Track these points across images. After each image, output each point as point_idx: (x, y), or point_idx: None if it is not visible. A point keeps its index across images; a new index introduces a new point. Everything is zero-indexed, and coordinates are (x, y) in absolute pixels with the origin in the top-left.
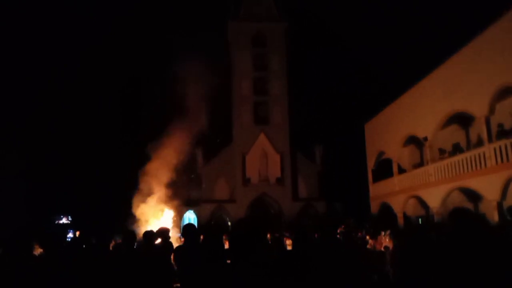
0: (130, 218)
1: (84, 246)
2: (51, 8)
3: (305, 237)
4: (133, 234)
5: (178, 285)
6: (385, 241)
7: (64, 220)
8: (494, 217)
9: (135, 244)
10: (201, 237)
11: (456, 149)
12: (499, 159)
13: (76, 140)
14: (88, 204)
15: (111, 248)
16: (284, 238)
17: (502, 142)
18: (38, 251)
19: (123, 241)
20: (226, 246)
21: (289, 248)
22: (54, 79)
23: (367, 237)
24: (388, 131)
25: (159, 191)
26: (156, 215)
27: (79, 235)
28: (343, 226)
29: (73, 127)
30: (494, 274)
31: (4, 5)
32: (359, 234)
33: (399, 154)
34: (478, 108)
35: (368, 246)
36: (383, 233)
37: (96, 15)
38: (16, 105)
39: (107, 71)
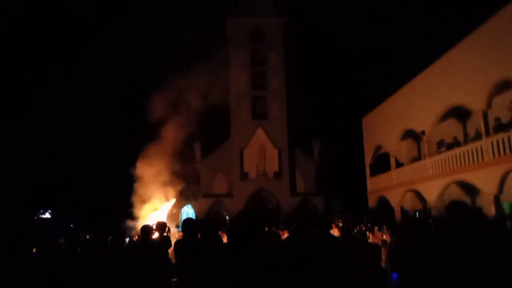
0: (126, 213)
1: (79, 243)
2: (51, 8)
3: (304, 230)
4: (122, 230)
5: (176, 279)
6: (382, 235)
7: (47, 215)
8: (491, 210)
9: (127, 239)
10: (200, 231)
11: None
12: (496, 153)
13: (74, 138)
14: (74, 200)
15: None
16: (281, 232)
17: (500, 136)
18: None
19: (113, 237)
20: (225, 240)
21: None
22: (54, 79)
23: (367, 233)
24: (386, 125)
25: (156, 186)
26: (153, 210)
27: (70, 233)
28: (341, 221)
29: (73, 126)
30: (491, 268)
31: (4, 5)
32: (358, 228)
33: (396, 148)
34: (475, 102)
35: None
36: (376, 228)
37: (96, 15)
38: (16, 105)
39: (107, 70)
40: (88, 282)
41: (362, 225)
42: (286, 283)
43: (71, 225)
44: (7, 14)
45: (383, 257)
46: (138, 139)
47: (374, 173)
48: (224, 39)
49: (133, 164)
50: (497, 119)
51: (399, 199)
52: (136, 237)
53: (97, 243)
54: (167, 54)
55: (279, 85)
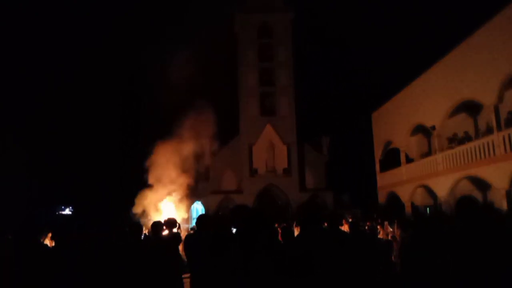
0: (136, 210)
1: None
2: (52, 9)
3: (311, 224)
4: (139, 225)
5: (188, 275)
6: (391, 230)
7: (67, 211)
8: (503, 205)
9: (142, 235)
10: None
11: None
12: (508, 147)
13: (82, 133)
14: (92, 196)
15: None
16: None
17: (511, 130)
18: (51, 243)
19: (129, 233)
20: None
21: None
22: (54, 79)
23: (378, 227)
24: (396, 120)
25: (166, 183)
26: (163, 206)
27: (82, 228)
28: (351, 217)
29: (81, 120)
30: (501, 263)
31: (5, 5)
32: (368, 223)
33: (406, 143)
34: (486, 96)
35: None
36: (386, 223)
37: (99, 12)
38: (19, 103)
39: (113, 66)
40: (94, 278)
41: (372, 220)
42: (293, 282)
43: (84, 221)
44: (8, 14)
45: (395, 252)
46: (149, 137)
47: (384, 168)
48: (231, 35)
49: (142, 163)
50: (510, 113)
51: (409, 194)
52: (147, 233)
53: (102, 238)
54: (173, 49)
55: (288, 81)
